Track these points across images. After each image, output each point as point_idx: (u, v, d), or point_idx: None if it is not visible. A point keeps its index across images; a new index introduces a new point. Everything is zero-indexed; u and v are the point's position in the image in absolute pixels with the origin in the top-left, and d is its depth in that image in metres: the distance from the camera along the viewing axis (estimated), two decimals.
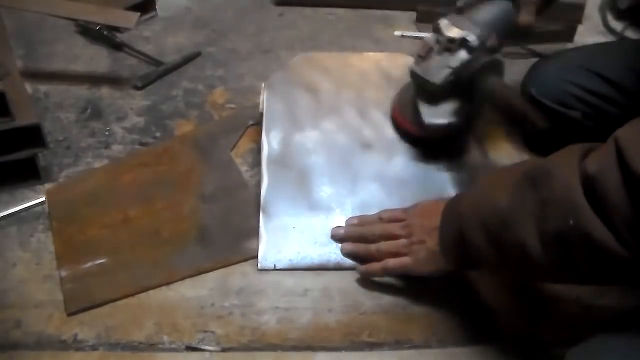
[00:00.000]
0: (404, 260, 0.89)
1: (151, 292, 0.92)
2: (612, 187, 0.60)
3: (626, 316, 0.70)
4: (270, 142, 1.09)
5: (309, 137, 1.11)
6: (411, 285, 0.93)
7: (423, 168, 1.08)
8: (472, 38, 0.97)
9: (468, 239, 0.77)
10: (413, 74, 1.03)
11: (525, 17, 0.99)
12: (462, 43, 0.97)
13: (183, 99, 1.32)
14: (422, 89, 1.03)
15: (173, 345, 0.85)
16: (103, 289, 0.92)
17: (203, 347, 0.85)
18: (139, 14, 1.36)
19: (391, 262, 0.90)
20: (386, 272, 0.92)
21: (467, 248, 0.78)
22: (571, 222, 0.63)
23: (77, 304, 0.90)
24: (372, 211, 1.00)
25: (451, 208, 0.84)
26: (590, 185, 0.62)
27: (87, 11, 1.34)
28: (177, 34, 1.54)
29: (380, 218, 0.97)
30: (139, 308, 0.90)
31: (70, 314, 0.89)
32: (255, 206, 1.03)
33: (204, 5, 1.65)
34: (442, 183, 1.06)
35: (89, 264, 0.95)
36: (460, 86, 1.02)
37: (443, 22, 0.99)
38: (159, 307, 0.90)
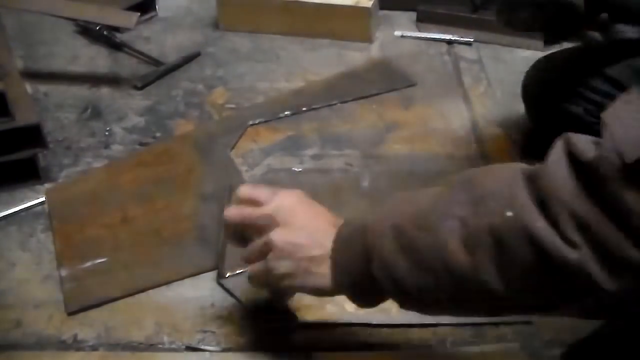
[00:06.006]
0: None
1: (151, 292, 0.92)
2: (559, 178, 0.52)
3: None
4: None
5: None
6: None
7: None
8: None
9: (378, 254, 0.64)
10: None
11: None
12: None
13: (183, 99, 1.32)
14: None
15: (173, 345, 0.85)
16: (103, 289, 0.92)
17: (203, 347, 0.85)
18: (139, 14, 1.36)
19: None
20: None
21: (375, 274, 0.64)
22: (509, 213, 0.54)
23: (77, 304, 0.90)
24: None
25: (351, 228, 0.69)
26: (534, 179, 0.54)
27: (87, 11, 1.34)
28: (177, 34, 1.54)
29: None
30: (139, 308, 0.90)
31: (70, 314, 0.89)
32: None
33: (204, 5, 1.65)
34: None
35: (89, 264, 0.95)
36: None
37: None
38: (159, 307, 0.90)
